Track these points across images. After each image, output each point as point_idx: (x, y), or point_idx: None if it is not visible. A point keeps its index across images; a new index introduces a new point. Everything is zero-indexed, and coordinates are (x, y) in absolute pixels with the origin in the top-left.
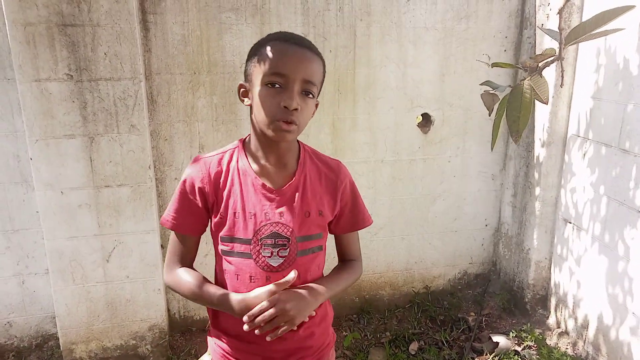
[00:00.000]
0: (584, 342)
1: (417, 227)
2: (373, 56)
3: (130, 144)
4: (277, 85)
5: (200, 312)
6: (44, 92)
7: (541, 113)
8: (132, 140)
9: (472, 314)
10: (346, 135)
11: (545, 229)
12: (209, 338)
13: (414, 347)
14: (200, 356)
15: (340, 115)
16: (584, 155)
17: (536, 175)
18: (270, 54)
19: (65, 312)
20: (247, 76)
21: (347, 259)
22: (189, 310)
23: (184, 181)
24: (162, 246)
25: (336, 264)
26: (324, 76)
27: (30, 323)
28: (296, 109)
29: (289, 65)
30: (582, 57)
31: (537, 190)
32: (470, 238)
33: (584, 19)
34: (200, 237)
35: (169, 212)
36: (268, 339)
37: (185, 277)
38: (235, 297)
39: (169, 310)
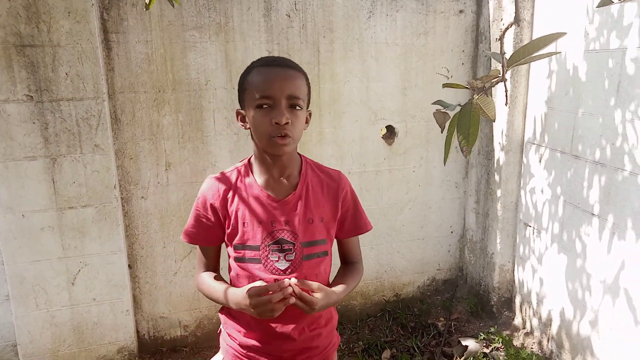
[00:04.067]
0: (548, 340)
1: (385, 236)
2: (337, 71)
3: (94, 164)
4: (266, 106)
5: (170, 331)
6: (2, 114)
7: (498, 122)
8: (96, 160)
9: (442, 319)
10: (313, 149)
11: (507, 234)
12: (220, 339)
13: (386, 355)
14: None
15: (308, 129)
16: (540, 161)
17: (496, 182)
18: (256, 80)
19: (28, 339)
20: (241, 103)
21: (349, 261)
22: (158, 331)
23: (198, 199)
24: (129, 266)
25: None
26: (309, 87)
27: None
28: (287, 123)
29: (273, 86)
30: (535, 63)
31: (498, 197)
32: (437, 245)
33: (534, 34)
34: (219, 246)
35: (187, 227)
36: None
37: (205, 280)
38: (237, 290)
39: (138, 331)
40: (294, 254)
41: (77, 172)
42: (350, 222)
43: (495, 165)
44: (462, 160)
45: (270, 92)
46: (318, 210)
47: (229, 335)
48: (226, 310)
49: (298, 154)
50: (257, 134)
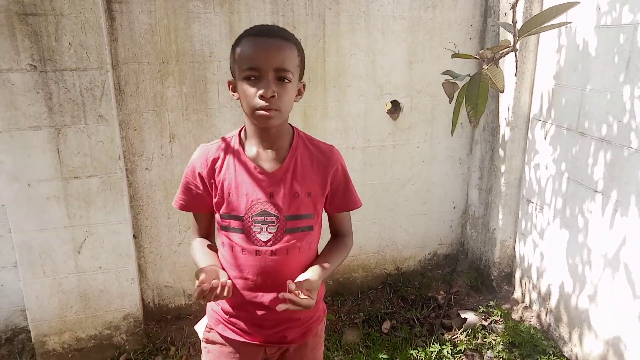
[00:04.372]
0: (546, 314)
1: (388, 211)
2: (342, 45)
3: (98, 135)
4: (253, 78)
5: (175, 300)
6: (5, 83)
7: (505, 98)
8: (100, 130)
9: (442, 292)
10: (317, 123)
11: (509, 210)
12: (207, 304)
13: (386, 325)
14: (195, 325)
15: (312, 103)
16: (545, 137)
17: (501, 157)
18: (244, 51)
19: (36, 304)
20: (232, 73)
21: (338, 235)
22: (163, 299)
23: (188, 167)
24: (134, 236)
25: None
26: (301, 58)
27: None
28: (273, 96)
29: (260, 58)
30: (544, 39)
31: (502, 172)
32: (439, 220)
33: (544, 6)
34: (211, 213)
35: (177, 194)
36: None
37: (194, 248)
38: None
39: (143, 299)
40: (277, 226)
41: (81, 143)
42: (341, 198)
43: (500, 141)
44: (467, 137)
45: (257, 63)
46: (305, 185)
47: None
48: None
49: (291, 126)
50: (244, 106)
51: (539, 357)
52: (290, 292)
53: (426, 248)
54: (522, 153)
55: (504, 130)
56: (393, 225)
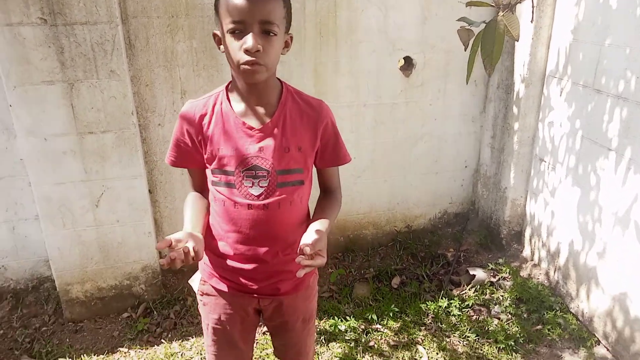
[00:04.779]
0: (555, 271)
1: (399, 169)
2: None
3: (111, 90)
4: (237, 32)
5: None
6: (17, 37)
7: (520, 54)
8: (112, 86)
9: (451, 250)
10: (328, 79)
11: (521, 169)
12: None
13: (396, 281)
14: (189, 279)
15: (323, 59)
16: (561, 94)
17: (514, 115)
18: (227, 2)
19: (58, 255)
20: (217, 25)
21: (327, 189)
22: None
23: (176, 124)
24: (149, 191)
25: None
26: (287, 9)
27: (24, 267)
28: (258, 51)
29: (244, 11)
30: None
31: (515, 130)
32: (451, 179)
33: None
34: (203, 169)
35: (168, 150)
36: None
37: (185, 203)
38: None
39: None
40: (268, 180)
41: (94, 98)
42: (331, 153)
43: (514, 98)
44: (481, 94)
45: (241, 16)
46: (295, 139)
47: (206, 255)
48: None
49: (280, 80)
50: (229, 60)
51: (545, 313)
52: (304, 254)
53: (437, 206)
54: (537, 111)
55: (519, 87)
56: (404, 184)
